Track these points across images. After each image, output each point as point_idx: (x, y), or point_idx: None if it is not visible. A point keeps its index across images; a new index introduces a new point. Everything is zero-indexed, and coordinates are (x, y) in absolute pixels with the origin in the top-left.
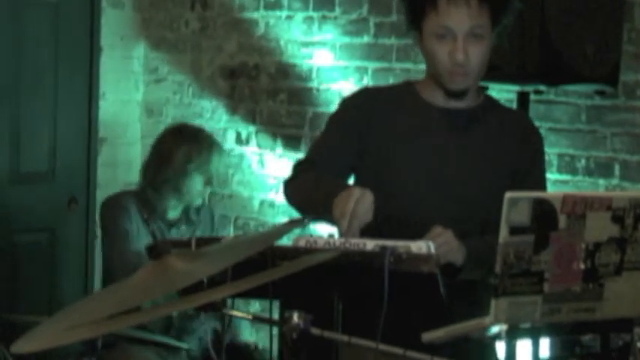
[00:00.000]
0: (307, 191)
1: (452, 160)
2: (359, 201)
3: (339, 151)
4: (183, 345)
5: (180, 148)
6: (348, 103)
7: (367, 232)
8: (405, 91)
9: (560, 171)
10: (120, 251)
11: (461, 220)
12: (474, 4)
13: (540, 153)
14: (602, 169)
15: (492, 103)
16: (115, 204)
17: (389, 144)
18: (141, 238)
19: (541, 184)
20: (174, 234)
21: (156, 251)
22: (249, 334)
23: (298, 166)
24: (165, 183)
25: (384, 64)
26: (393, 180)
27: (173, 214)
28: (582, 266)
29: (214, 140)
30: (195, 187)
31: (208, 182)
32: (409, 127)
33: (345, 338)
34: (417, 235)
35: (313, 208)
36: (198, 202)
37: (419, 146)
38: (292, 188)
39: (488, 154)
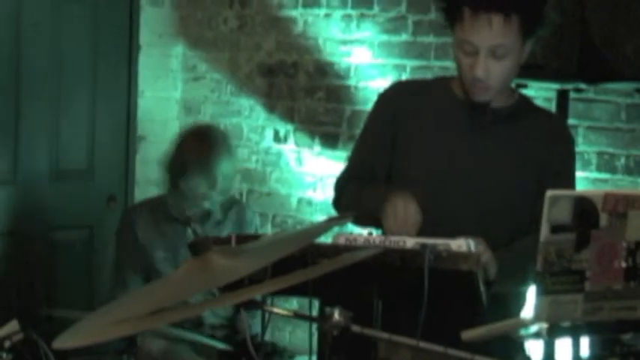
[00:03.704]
0: (352, 203)
1: (479, 159)
2: (405, 211)
3: (374, 158)
4: (220, 345)
5: (184, 147)
6: (381, 98)
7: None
8: (438, 85)
9: (599, 170)
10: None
11: (483, 218)
12: (496, 24)
13: (570, 156)
14: None
15: (526, 103)
16: (123, 222)
17: (416, 137)
18: (158, 244)
19: (569, 188)
20: (189, 232)
21: (196, 248)
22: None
23: (339, 184)
24: (169, 180)
25: (423, 62)
26: (419, 175)
27: (191, 212)
28: (624, 265)
29: (222, 145)
30: (196, 189)
31: (212, 187)
32: (437, 122)
33: (386, 335)
34: (437, 231)
35: (365, 222)
36: (205, 205)
37: (447, 143)
38: (340, 208)
39: (514, 154)
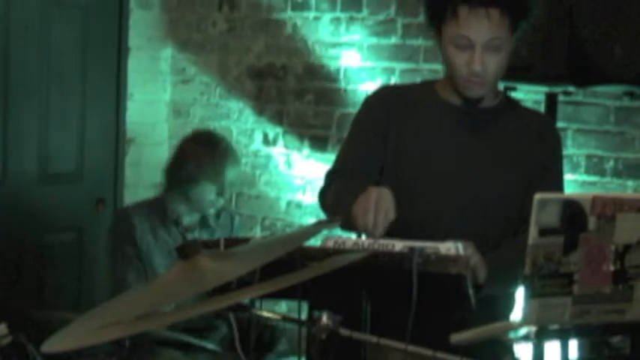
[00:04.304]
0: (334, 203)
1: (467, 160)
2: (378, 198)
3: (364, 153)
4: (209, 345)
5: (193, 155)
6: (369, 101)
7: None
8: (424, 90)
9: (588, 172)
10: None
11: (475, 222)
12: (494, 16)
13: (557, 154)
14: (631, 171)
15: (511, 102)
16: (123, 221)
17: (406, 143)
18: (155, 246)
19: (557, 187)
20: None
21: (185, 251)
22: None
23: (328, 176)
24: (176, 187)
25: (412, 65)
26: (408, 179)
27: (188, 219)
28: (612, 268)
29: (231, 152)
30: (205, 196)
31: (220, 193)
32: (426, 127)
33: (374, 339)
34: (430, 237)
35: (340, 218)
36: (210, 212)
37: (435, 146)
38: (324, 200)
39: (504, 154)
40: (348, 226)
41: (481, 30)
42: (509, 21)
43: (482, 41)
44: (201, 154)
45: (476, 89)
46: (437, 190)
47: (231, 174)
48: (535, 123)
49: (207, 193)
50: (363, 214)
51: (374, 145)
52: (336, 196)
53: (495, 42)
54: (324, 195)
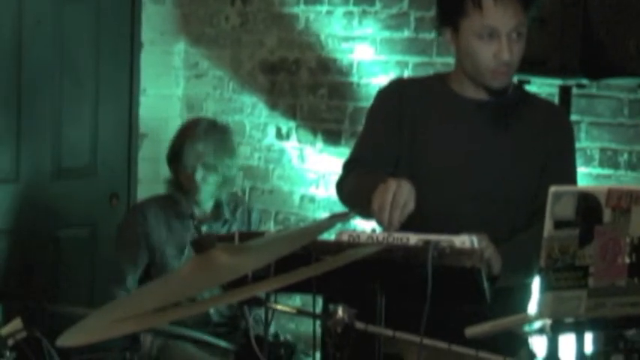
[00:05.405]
0: (352, 191)
1: (480, 152)
2: (397, 192)
3: (381, 143)
4: (222, 343)
5: (183, 142)
6: (382, 93)
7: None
8: (437, 83)
9: (602, 165)
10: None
11: (490, 214)
12: (516, 3)
13: (570, 144)
14: None
15: (523, 93)
16: (132, 218)
17: (420, 135)
18: (169, 240)
19: (570, 176)
20: (204, 230)
21: (200, 245)
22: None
23: (346, 167)
24: (173, 177)
25: (425, 59)
26: (422, 172)
27: (200, 211)
28: (627, 260)
29: (209, 135)
30: (179, 175)
31: (193, 173)
32: (439, 120)
33: (390, 332)
34: (444, 229)
35: (358, 206)
36: (192, 196)
37: (449, 138)
38: (341, 189)
39: (517, 146)
40: (367, 214)
41: (507, 18)
42: (524, 7)
43: (507, 29)
44: (177, 135)
45: (503, 79)
46: (451, 183)
47: (208, 157)
48: (547, 113)
49: (180, 173)
50: (379, 209)
51: (389, 136)
52: (355, 185)
53: (518, 29)
54: (341, 185)
